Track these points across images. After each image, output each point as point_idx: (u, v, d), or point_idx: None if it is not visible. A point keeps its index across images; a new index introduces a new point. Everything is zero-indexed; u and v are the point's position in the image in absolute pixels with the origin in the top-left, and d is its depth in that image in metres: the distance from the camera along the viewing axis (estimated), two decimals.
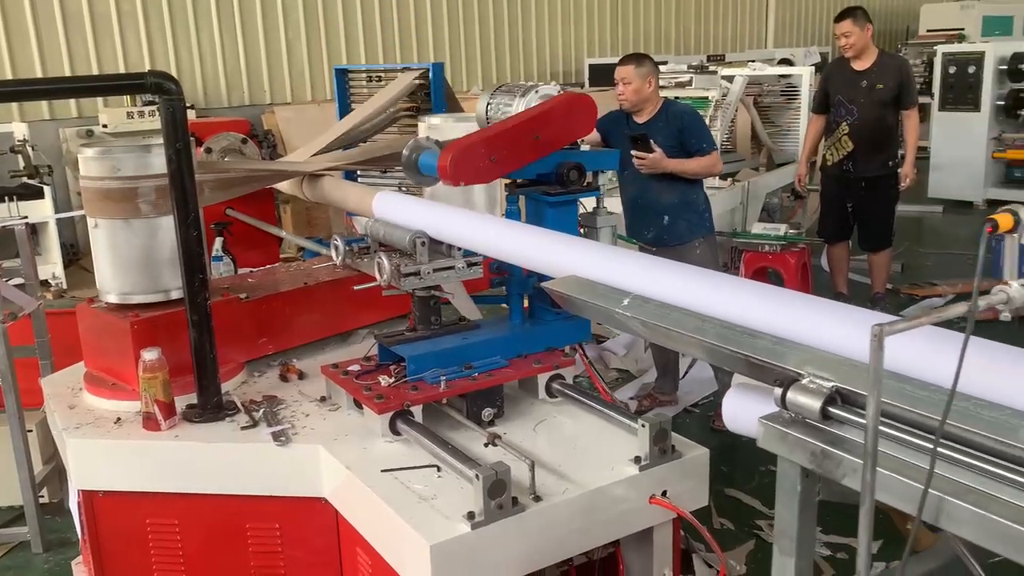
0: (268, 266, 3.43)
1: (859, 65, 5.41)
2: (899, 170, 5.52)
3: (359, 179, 3.82)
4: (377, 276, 2.31)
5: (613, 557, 2.28)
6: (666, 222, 4.25)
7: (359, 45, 9.25)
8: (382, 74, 4.00)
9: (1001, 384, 1.10)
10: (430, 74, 3.65)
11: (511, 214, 2.51)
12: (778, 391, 1.26)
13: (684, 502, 2.12)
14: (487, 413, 2.27)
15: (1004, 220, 1.01)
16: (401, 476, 2.05)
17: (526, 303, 2.54)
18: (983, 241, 1.00)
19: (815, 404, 1.21)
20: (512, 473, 1.88)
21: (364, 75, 4.06)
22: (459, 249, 2.29)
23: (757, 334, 1.39)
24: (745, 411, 1.44)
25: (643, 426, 2.07)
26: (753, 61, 9.07)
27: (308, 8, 8.86)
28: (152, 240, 2.51)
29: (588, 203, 2.58)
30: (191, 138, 2.43)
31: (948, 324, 1.12)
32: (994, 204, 9.41)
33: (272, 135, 7.93)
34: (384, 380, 2.28)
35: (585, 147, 2.63)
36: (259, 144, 7.32)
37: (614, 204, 5.55)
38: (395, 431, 2.19)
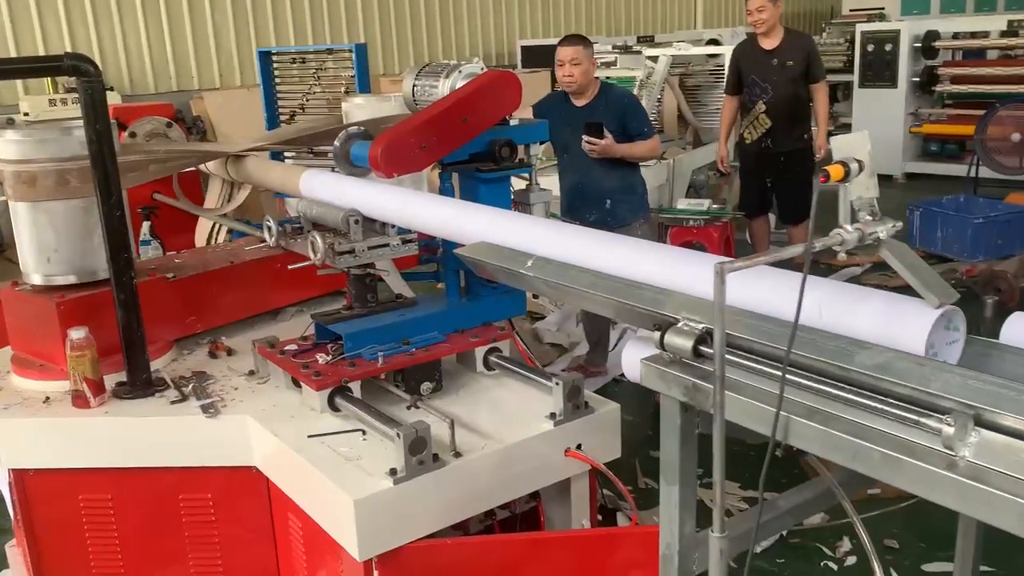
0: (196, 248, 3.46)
1: (768, 44, 5.51)
2: (813, 142, 5.69)
3: (285, 159, 3.86)
4: (311, 255, 2.35)
5: (534, 510, 2.41)
6: (608, 205, 4.35)
7: (288, 27, 9.17)
8: (307, 56, 4.03)
9: (841, 318, 1.24)
10: (353, 55, 3.71)
11: (445, 192, 2.57)
12: (657, 334, 1.38)
13: (598, 454, 2.25)
14: (426, 387, 2.33)
15: (835, 171, 1.15)
16: (327, 441, 2.14)
17: (463, 280, 2.61)
18: (816, 189, 1.13)
19: (687, 344, 1.34)
20: (434, 432, 1.99)
21: (289, 58, 4.08)
22: (393, 227, 2.36)
23: (642, 286, 1.52)
24: (637, 360, 1.56)
25: (557, 384, 2.20)
26: (682, 42, 9.27)
27: None
28: (75, 221, 2.54)
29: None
30: (115, 123, 2.46)
31: (857, 280, 1.24)
32: (913, 177, 9.80)
33: (202, 121, 7.85)
34: (322, 358, 2.32)
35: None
36: (188, 130, 7.26)
37: (549, 183, 5.72)
38: (334, 408, 2.24)
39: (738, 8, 15.05)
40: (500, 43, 11.10)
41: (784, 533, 3.27)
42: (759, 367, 1.25)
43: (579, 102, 4.27)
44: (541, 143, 2.69)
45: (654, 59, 6.86)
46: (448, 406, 2.28)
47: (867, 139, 1.26)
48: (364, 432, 2.15)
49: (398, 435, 1.93)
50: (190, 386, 2.45)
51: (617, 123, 4.20)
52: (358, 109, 3.15)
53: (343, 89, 3.78)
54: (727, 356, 1.25)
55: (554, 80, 7.36)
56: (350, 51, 3.74)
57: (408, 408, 2.21)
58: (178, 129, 3.59)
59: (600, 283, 1.61)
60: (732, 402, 1.23)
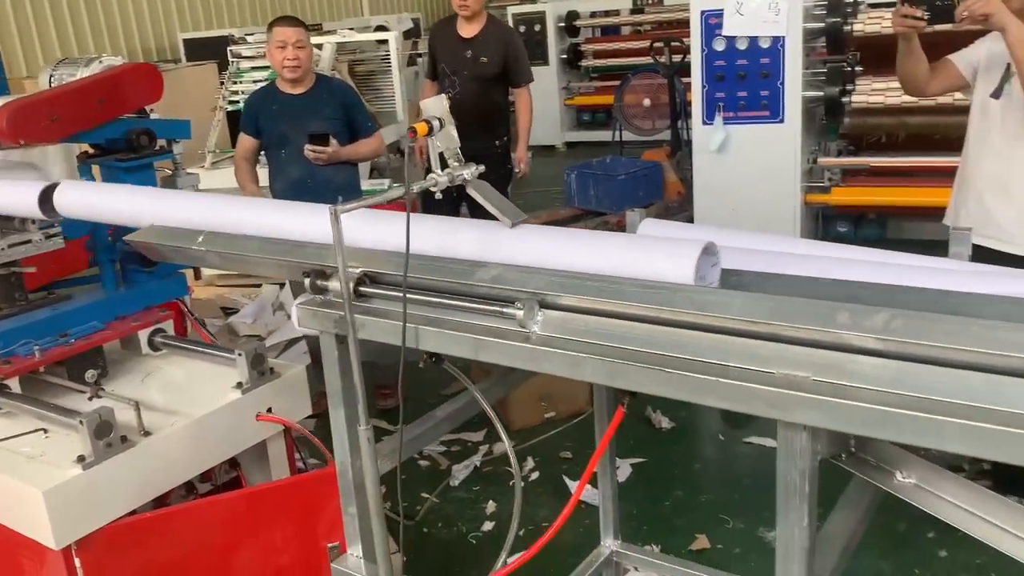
0: None
1: (466, 32, 4.68)
2: (512, 153, 5.00)
3: None
4: None
5: (236, 479, 2.54)
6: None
7: None
8: None
9: (458, 245, 1.55)
10: None
11: None
12: (307, 280, 1.60)
13: (290, 414, 2.43)
14: (90, 374, 2.38)
15: (421, 128, 1.44)
16: (6, 446, 2.11)
17: (119, 268, 2.65)
18: (407, 144, 1.41)
19: (337, 285, 1.57)
20: (122, 418, 2.06)
21: None
22: (34, 221, 2.35)
23: (306, 244, 1.73)
24: None
25: (240, 355, 2.34)
26: (349, 29, 9.47)
27: None
28: None
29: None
30: None
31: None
32: (572, 145, 10.88)
33: None
34: None
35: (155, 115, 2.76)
36: None
37: (223, 177, 5.67)
38: None
39: None
40: (160, 37, 10.58)
41: (478, 464, 3.67)
42: (395, 294, 1.50)
43: (296, 90, 3.86)
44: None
45: (319, 47, 7.00)
46: (131, 391, 2.34)
47: (443, 100, 1.56)
48: (46, 431, 2.16)
49: (81, 422, 1.98)
50: None
51: (342, 115, 3.90)
52: None
53: None
54: (377, 290, 1.51)
55: (222, 69, 7.24)
56: None
57: (90, 399, 2.23)
58: None
59: (268, 247, 1.79)
60: (372, 324, 1.48)
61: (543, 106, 10.59)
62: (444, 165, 1.49)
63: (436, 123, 1.43)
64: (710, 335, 1.26)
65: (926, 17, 2.64)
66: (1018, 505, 1.22)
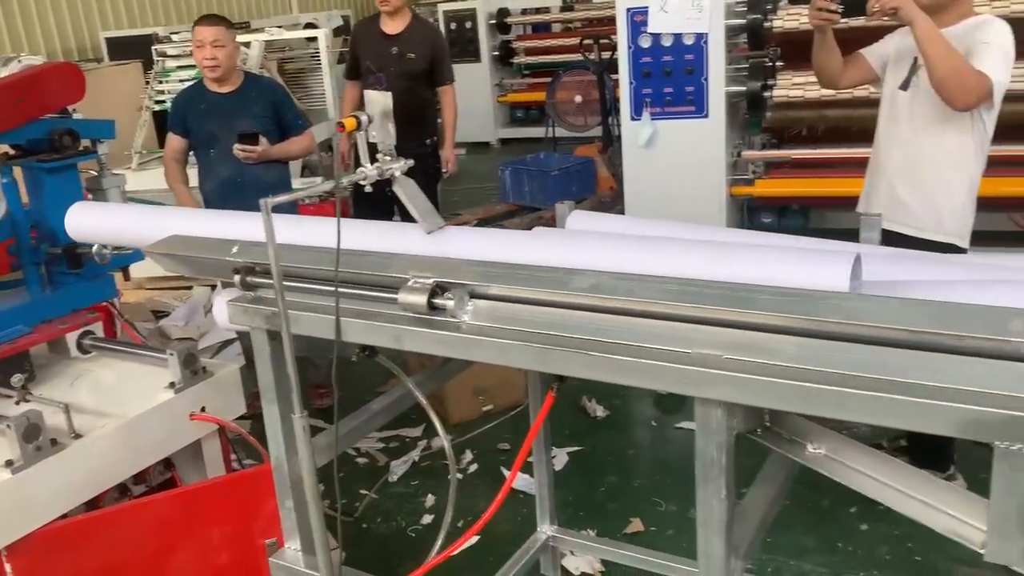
0: None
1: (390, 28, 4.73)
2: (440, 152, 5.01)
3: None
4: None
5: (171, 480, 2.52)
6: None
7: None
8: None
9: (385, 241, 1.58)
10: None
11: (7, 188, 2.52)
12: (238, 277, 1.61)
13: (224, 414, 2.42)
14: (17, 379, 2.31)
15: (349, 123, 1.46)
16: None
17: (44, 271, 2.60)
18: (336, 138, 1.44)
19: (266, 280, 1.59)
20: (52, 421, 2.04)
21: None
22: None
23: (235, 242, 1.74)
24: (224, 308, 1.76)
25: (172, 355, 2.33)
26: (278, 27, 9.35)
27: None
28: None
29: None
30: None
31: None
32: (506, 142, 10.94)
33: None
34: None
35: (79, 116, 2.71)
36: None
37: (151, 178, 5.56)
38: None
39: None
40: (81, 36, 10.29)
41: (416, 459, 3.69)
42: (322, 288, 1.53)
43: (223, 89, 3.83)
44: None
45: (247, 45, 6.91)
46: (61, 394, 2.31)
47: (388, 96, 1.60)
48: None
49: (9, 426, 1.95)
50: None
51: (272, 113, 3.88)
52: None
53: None
54: (308, 284, 1.53)
55: (147, 68, 7.09)
56: None
57: (17, 403, 2.20)
58: None
59: (198, 245, 1.80)
60: (302, 319, 1.50)
61: (475, 102, 10.66)
62: (375, 160, 1.52)
63: (364, 119, 1.46)
64: (631, 319, 1.32)
65: (840, 11, 2.76)
66: (920, 471, 1.31)
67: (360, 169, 1.51)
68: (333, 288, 1.47)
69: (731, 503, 1.27)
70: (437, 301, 1.40)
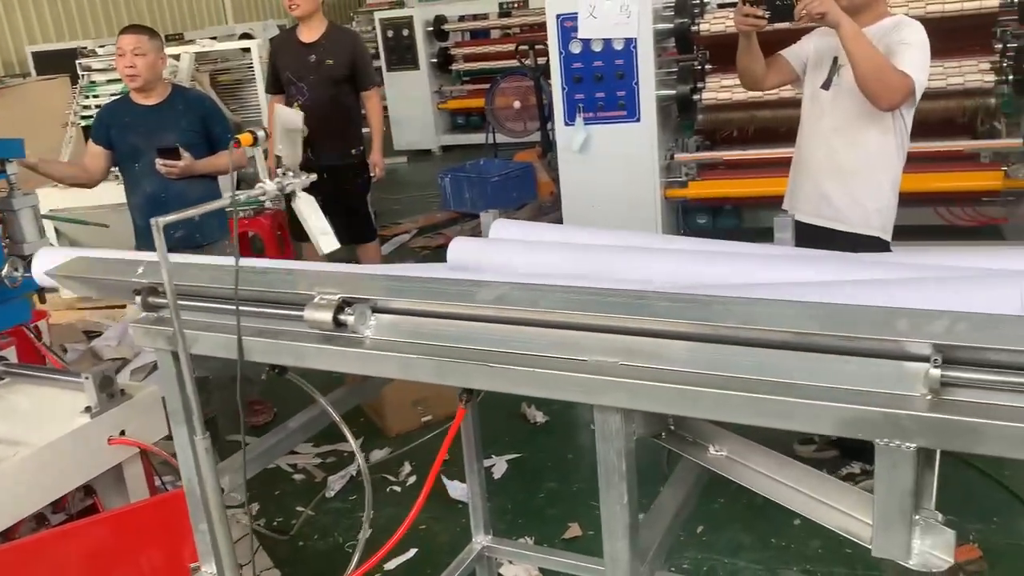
0: None
1: (307, 36, 4.70)
2: (368, 159, 4.88)
3: None
4: None
5: (93, 506, 2.45)
6: (197, 219, 3.43)
7: None
8: None
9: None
10: None
11: None
12: (139, 297, 1.58)
13: (145, 436, 2.37)
14: None
15: (245, 139, 1.44)
16: None
17: None
18: (231, 151, 1.41)
19: (166, 301, 1.55)
20: None
21: None
22: None
23: (138, 262, 1.70)
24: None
25: (87, 378, 2.27)
26: (211, 38, 9.21)
27: None
28: None
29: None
30: None
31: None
32: (448, 149, 10.91)
33: None
34: None
35: None
36: None
37: (78, 196, 5.42)
38: None
39: (269, 1, 15.23)
40: (7, 50, 10.03)
41: (354, 473, 3.65)
42: (223, 308, 1.50)
43: (148, 101, 3.75)
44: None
45: (176, 57, 6.80)
46: None
47: (298, 114, 1.58)
48: None
49: None
50: None
51: (199, 127, 3.78)
52: None
53: None
54: (207, 304, 1.50)
55: (75, 82, 6.92)
56: None
57: None
58: None
59: (101, 267, 1.75)
60: (204, 339, 1.48)
61: (415, 110, 10.63)
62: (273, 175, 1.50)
63: (261, 134, 1.44)
64: (535, 329, 1.32)
65: (767, 16, 2.80)
66: (816, 471, 1.32)
67: (259, 185, 1.49)
68: (234, 307, 1.44)
69: (634, 508, 1.28)
70: (341, 317, 1.39)
